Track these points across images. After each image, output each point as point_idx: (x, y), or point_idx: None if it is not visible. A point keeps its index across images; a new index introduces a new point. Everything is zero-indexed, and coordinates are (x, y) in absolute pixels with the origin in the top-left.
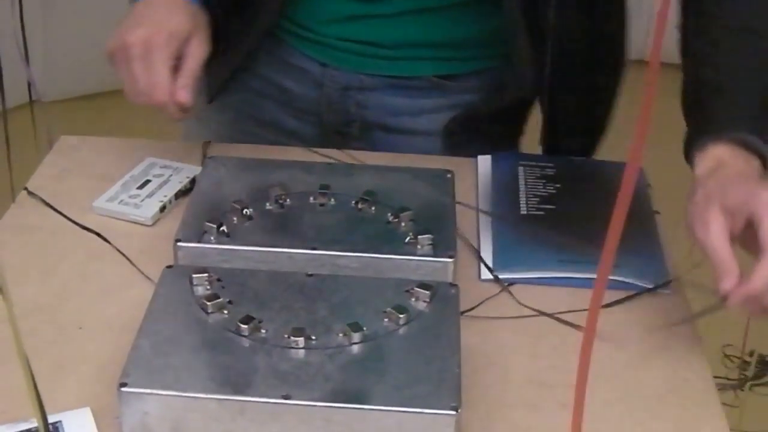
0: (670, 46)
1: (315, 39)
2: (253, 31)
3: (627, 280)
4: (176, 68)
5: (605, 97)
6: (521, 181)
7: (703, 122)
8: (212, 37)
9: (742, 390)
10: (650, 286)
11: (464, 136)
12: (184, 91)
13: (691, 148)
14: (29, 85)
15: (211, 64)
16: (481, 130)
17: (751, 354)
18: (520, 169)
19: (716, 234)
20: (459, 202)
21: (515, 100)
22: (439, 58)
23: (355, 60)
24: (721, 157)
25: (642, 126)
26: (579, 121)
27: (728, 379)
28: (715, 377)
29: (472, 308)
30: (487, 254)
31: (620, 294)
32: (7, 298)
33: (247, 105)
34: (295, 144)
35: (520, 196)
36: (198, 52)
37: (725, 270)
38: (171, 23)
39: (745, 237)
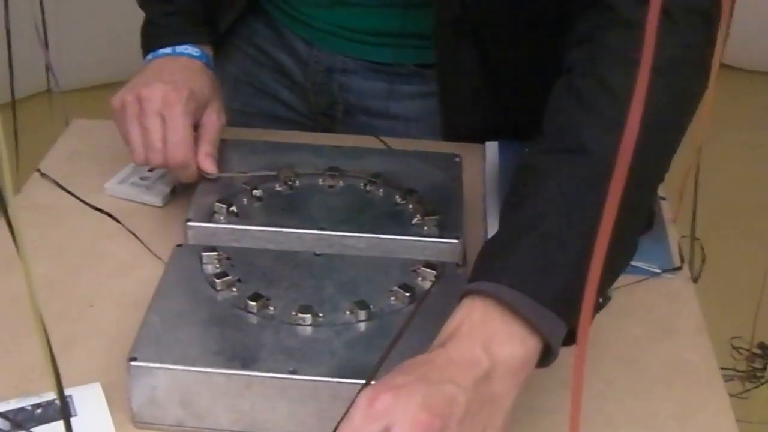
0: None
1: (301, 19)
2: None
3: (632, 263)
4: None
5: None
6: None
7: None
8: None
9: (756, 384)
10: (657, 271)
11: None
12: (210, 161)
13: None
14: (47, 70)
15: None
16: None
17: (759, 346)
18: None
19: None
20: None
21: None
22: (419, 47)
23: (338, 43)
24: (460, 323)
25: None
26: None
27: (736, 370)
28: (723, 369)
29: None
30: None
31: (628, 278)
32: (28, 280)
33: (245, 73)
34: (291, 115)
35: None
36: (217, 122)
37: None
38: (192, 84)
39: None
